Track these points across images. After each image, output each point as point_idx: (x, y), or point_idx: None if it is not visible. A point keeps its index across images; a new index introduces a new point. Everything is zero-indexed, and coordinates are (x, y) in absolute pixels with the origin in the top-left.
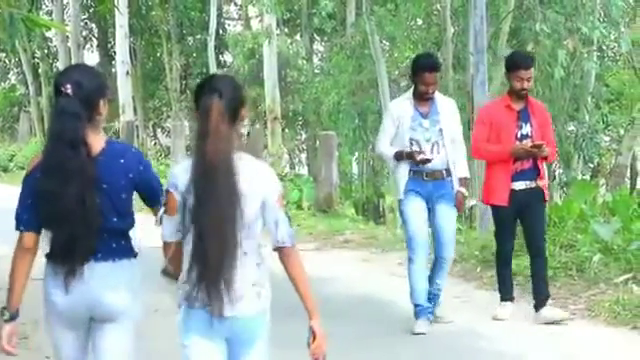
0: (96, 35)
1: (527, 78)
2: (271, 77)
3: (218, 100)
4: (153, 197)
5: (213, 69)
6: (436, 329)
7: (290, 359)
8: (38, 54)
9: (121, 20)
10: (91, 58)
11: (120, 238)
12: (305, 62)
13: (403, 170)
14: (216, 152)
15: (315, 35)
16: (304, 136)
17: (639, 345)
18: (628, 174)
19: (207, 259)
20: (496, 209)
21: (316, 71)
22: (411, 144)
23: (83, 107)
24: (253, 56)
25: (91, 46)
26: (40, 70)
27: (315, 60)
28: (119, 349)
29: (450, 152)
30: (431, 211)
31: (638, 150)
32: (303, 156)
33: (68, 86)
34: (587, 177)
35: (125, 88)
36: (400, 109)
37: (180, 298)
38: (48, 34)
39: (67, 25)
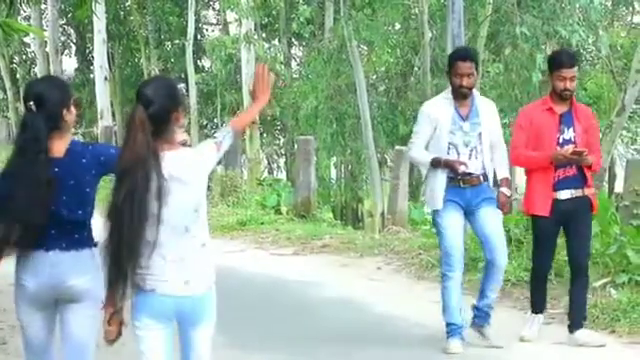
0: (74, 40)
1: (570, 77)
2: (249, 82)
3: (142, 110)
4: None
5: (191, 74)
6: (409, 332)
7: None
8: (16, 59)
9: (99, 25)
10: (69, 63)
11: (82, 230)
12: (283, 67)
13: (440, 178)
14: (129, 158)
15: (293, 40)
16: (282, 141)
17: (617, 349)
18: (606, 178)
19: (122, 255)
20: (536, 220)
21: (294, 76)
22: (448, 149)
23: (45, 120)
24: (231, 61)
25: (69, 51)
26: (18, 75)
27: (293, 65)
28: (84, 328)
29: (487, 157)
30: (473, 218)
31: (616, 154)
32: (281, 161)
33: (31, 103)
34: None
35: (103, 93)
36: (438, 110)
37: (133, 282)
38: (26, 39)
39: (45, 30)
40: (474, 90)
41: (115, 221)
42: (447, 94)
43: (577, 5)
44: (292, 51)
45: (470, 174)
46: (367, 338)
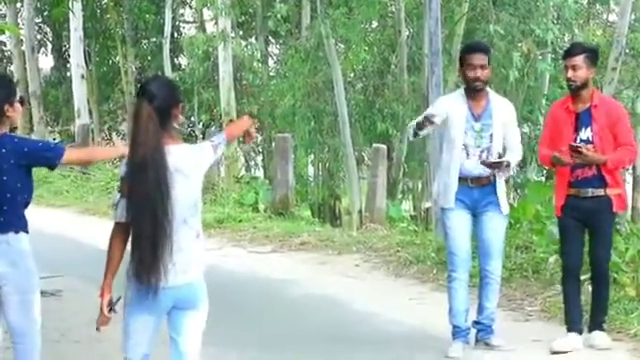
0: (50, 39)
1: (571, 66)
2: (226, 80)
3: (147, 104)
4: (49, 162)
5: (168, 72)
6: (387, 329)
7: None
8: None
9: (75, 23)
10: (46, 62)
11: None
12: (260, 65)
13: (453, 176)
14: (144, 149)
15: (270, 38)
16: (260, 138)
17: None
18: None
19: (142, 241)
20: (558, 219)
21: (271, 74)
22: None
23: None
24: (208, 59)
25: (45, 50)
26: None
27: (270, 63)
28: (17, 315)
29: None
30: (476, 221)
31: None
32: (259, 159)
33: None
34: (542, 179)
35: (80, 92)
36: (452, 105)
37: (128, 274)
38: (2, 38)
39: (21, 28)
40: (489, 90)
41: (149, 210)
42: (461, 91)
43: (551, 3)
44: (269, 49)
45: (479, 176)
46: (345, 336)
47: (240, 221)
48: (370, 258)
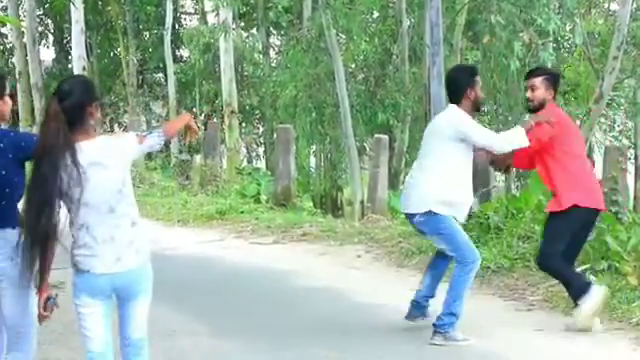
0: (52, 31)
1: (530, 86)
2: (227, 71)
3: (56, 103)
4: None
5: (170, 64)
6: (390, 319)
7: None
8: None
9: (77, 15)
10: (47, 54)
11: None
12: (261, 56)
13: (471, 191)
14: (45, 144)
15: (271, 29)
16: (261, 130)
17: (598, 335)
18: None
19: (35, 239)
20: None
21: (273, 65)
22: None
23: None
24: (209, 50)
25: (47, 42)
26: None
27: (272, 54)
28: (11, 308)
29: None
30: None
31: (594, 141)
32: (260, 150)
33: None
34: None
35: None
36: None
37: (70, 263)
38: (3, 30)
39: (22, 20)
40: None
41: (28, 206)
42: (458, 108)
43: None
44: (270, 40)
45: None
46: (347, 326)
47: (242, 212)
48: (372, 249)
